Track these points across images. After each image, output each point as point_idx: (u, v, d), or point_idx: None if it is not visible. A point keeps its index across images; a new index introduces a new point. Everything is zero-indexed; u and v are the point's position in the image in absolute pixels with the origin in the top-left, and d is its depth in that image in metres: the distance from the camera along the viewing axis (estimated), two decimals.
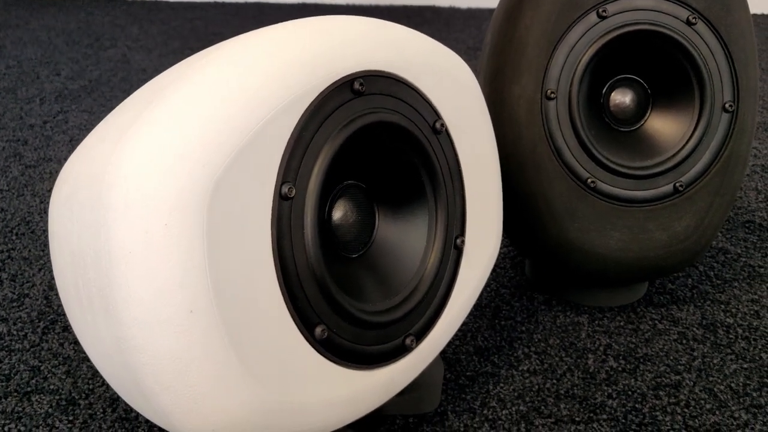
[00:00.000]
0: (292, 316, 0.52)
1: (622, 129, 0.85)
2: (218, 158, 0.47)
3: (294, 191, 0.51)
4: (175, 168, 0.46)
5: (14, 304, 0.90)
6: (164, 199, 0.46)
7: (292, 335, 0.52)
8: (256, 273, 0.49)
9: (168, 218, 0.45)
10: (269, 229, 0.50)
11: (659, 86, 0.84)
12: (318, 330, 0.53)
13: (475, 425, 0.71)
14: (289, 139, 0.51)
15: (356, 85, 0.55)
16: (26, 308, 0.90)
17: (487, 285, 0.95)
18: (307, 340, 0.53)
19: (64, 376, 0.77)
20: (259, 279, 0.49)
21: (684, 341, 0.83)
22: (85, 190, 0.49)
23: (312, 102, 0.52)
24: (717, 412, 0.72)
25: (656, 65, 0.83)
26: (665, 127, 0.84)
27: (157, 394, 0.48)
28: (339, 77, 0.54)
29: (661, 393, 0.75)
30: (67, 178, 0.53)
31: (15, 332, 0.85)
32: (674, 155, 0.82)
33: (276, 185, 0.50)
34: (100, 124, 0.55)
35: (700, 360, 0.80)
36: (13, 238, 1.06)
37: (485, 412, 0.73)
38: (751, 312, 0.89)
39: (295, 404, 0.53)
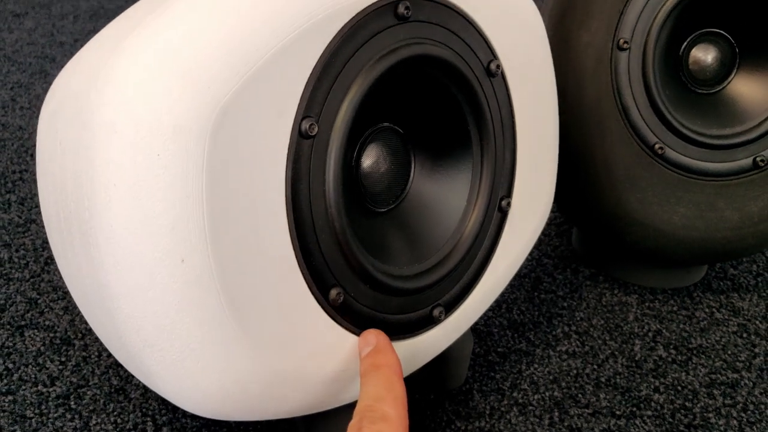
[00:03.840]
0: (304, 275, 0.44)
1: (699, 91, 0.75)
2: (228, 80, 0.39)
3: (316, 129, 0.43)
4: (175, 87, 0.38)
5: (20, 229, 0.85)
6: (159, 123, 0.38)
7: (302, 297, 0.44)
8: (264, 221, 0.41)
9: (162, 147, 0.38)
10: (284, 170, 0.42)
11: (749, 44, 0.73)
12: (333, 293, 0.46)
13: (503, 408, 0.64)
14: (316, 66, 0.43)
15: (401, 9, 0.47)
16: (31, 235, 0.84)
17: (528, 253, 0.86)
18: (320, 303, 0.45)
19: (61, 312, 0.72)
20: (268, 228, 0.42)
21: (744, 335, 0.74)
22: (70, 106, 0.42)
23: (347, 23, 0.44)
24: None
25: (749, 19, 0.72)
26: (751, 91, 0.73)
27: (140, 351, 0.42)
28: None
29: (715, 392, 0.67)
30: (55, 92, 0.46)
31: (16, 260, 0.79)
32: (758, 125, 0.71)
33: (295, 120, 0.42)
34: (99, 32, 0.47)
35: (762, 358, 0.71)
36: (27, 158, 1.00)
37: (515, 394, 0.65)
38: None
39: (302, 374, 0.46)
